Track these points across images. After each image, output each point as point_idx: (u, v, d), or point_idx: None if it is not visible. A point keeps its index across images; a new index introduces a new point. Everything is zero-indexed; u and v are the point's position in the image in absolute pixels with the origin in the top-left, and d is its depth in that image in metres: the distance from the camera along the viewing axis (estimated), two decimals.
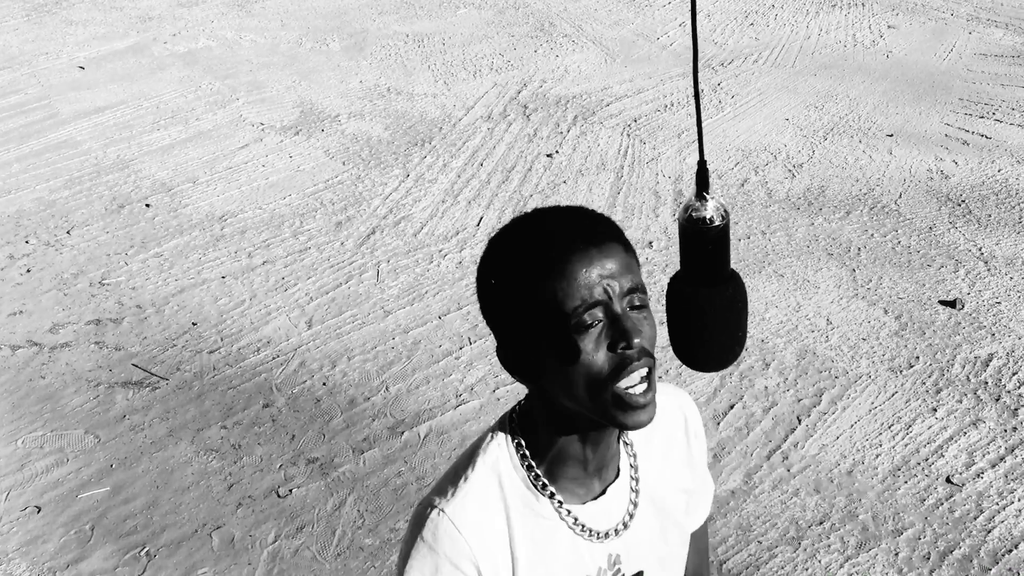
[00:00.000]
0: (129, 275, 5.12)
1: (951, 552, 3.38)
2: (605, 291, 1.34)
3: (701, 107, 1.21)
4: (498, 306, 1.44)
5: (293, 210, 5.70)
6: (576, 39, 8.17)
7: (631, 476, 1.56)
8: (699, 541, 1.75)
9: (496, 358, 4.35)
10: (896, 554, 3.38)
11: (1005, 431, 3.90)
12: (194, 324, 4.71)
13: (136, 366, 4.44)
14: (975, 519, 3.51)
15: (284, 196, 5.86)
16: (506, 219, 5.47)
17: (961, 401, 4.07)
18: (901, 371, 4.25)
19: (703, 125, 6.03)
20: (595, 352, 1.35)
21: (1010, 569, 3.32)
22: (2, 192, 6.01)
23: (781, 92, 7.04)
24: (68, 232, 5.55)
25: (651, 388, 1.38)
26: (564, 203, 5.90)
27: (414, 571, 1.47)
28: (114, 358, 4.50)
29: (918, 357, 4.33)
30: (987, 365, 4.26)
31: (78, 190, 5.98)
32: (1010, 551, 3.38)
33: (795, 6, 8.76)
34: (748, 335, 1.34)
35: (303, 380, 4.31)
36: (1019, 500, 3.58)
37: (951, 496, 3.61)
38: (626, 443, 1.56)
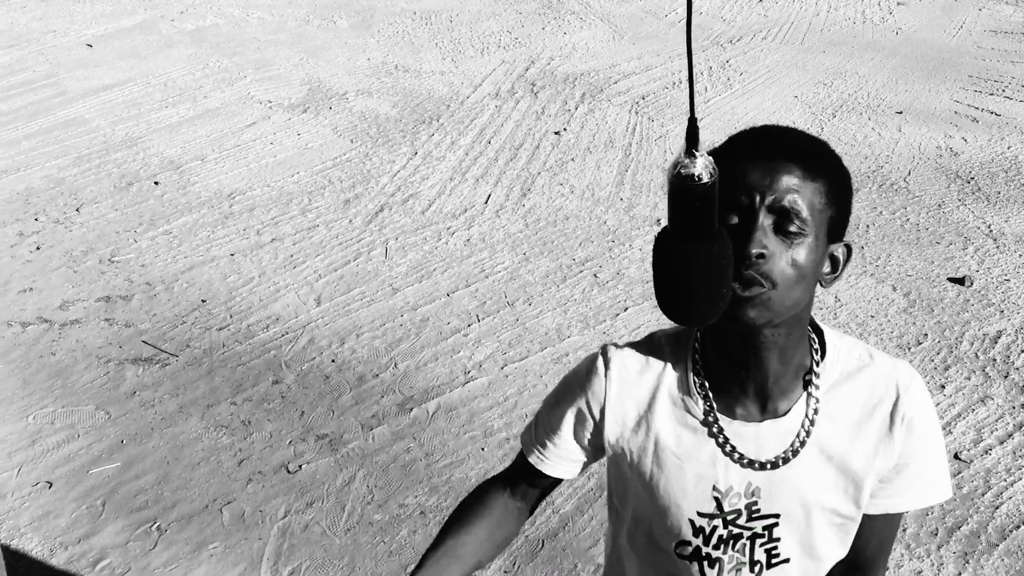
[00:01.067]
0: (138, 252, 5.13)
1: (959, 528, 3.39)
2: (750, 198, 1.41)
3: (693, 64, 1.22)
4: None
5: (301, 188, 5.70)
6: (584, 16, 8.14)
7: (802, 425, 1.55)
8: (882, 528, 1.65)
9: (503, 335, 4.36)
10: (904, 530, 3.39)
11: (1014, 408, 3.91)
12: (203, 301, 4.72)
13: (146, 343, 4.45)
14: (983, 495, 3.51)
15: (292, 174, 5.86)
16: (514, 197, 5.48)
17: (969, 378, 4.07)
18: (910, 348, 4.25)
19: (705, 100, 5.98)
20: (736, 239, 1.39)
21: (1019, 545, 3.32)
22: (11, 170, 6.01)
23: (790, 69, 7.02)
24: (77, 210, 5.56)
25: (757, 298, 1.39)
26: (572, 181, 5.88)
27: (558, 386, 1.68)
28: (124, 335, 4.51)
29: (926, 334, 4.33)
30: (996, 342, 4.26)
31: (87, 168, 5.99)
32: (1018, 527, 3.39)
33: None
34: (731, 290, 1.36)
35: (312, 357, 4.32)
36: None
37: (959, 472, 3.61)
38: (811, 395, 1.54)
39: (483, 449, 3.79)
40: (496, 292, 4.70)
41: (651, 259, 1.36)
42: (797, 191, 1.41)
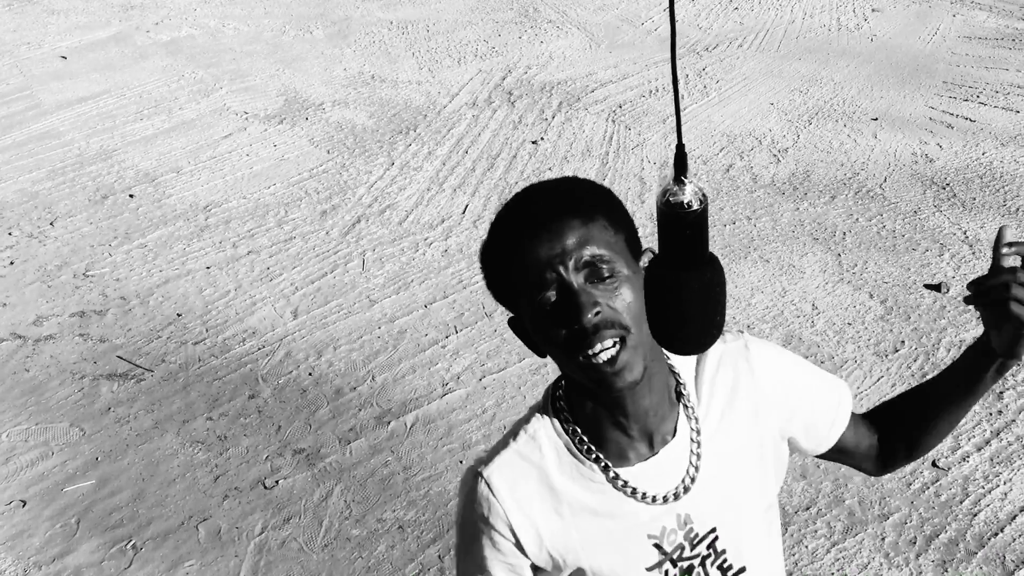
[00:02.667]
0: (113, 266, 5.10)
1: (937, 536, 3.39)
2: (554, 271, 1.40)
3: (679, 90, 1.21)
4: (489, 284, 1.54)
5: (278, 199, 5.68)
6: (560, 25, 8.15)
7: (691, 438, 1.55)
8: (856, 426, 1.70)
9: (481, 347, 4.35)
10: (883, 539, 3.39)
11: (990, 415, 3.91)
12: (179, 315, 4.69)
13: (121, 358, 4.42)
14: (961, 503, 3.52)
15: (269, 185, 5.83)
16: (492, 207, 5.46)
17: None
18: (887, 355, 4.26)
19: (682, 109, 5.96)
20: (554, 327, 1.42)
21: (997, 552, 3.33)
22: None
23: (766, 77, 7.04)
24: (51, 223, 5.51)
25: (620, 356, 1.40)
26: None
27: (458, 533, 1.58)
28: (99, 350, 4.48)
29: (904, 341, 4.34)
30: None
31: (61, 181, 5.95)
32: (996, 534, 3.39)
33: None
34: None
35: (289, 370, 4.29)
36: (1004, 483, 3.59)
37: (937, 480, 3.62)
38: (686, 405, 1.56)
39: (461, 462, 3.77)
40: (474, 303, 4.68)
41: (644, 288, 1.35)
42: (588, 240, 1.42)
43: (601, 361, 1.40)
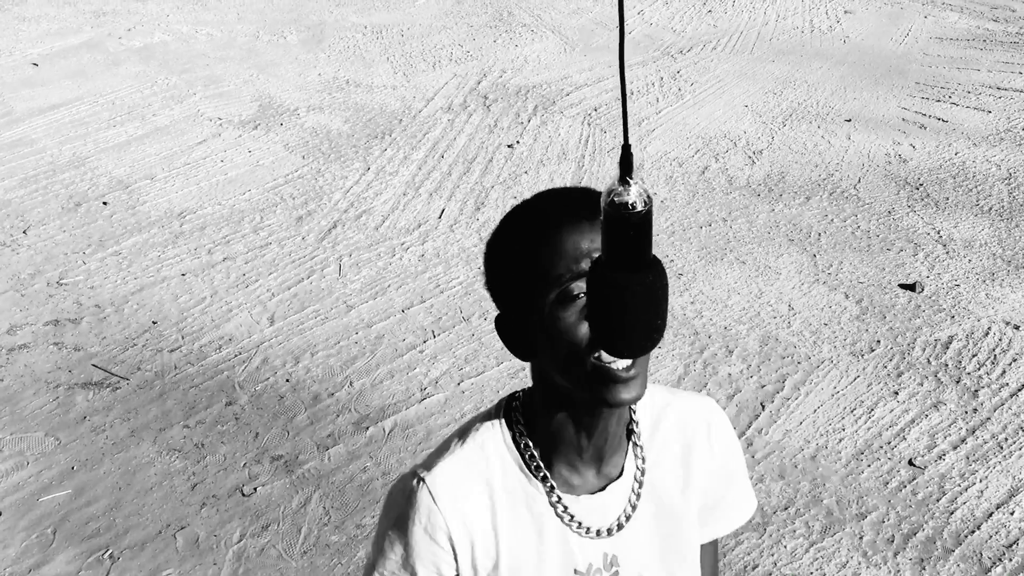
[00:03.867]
0: (87, 274, 5.06)
1: (915, 534, 3.41)
2: (591, 258, 1.35)
3: (626, 87, 1.20)
4: (493, 279, 1.47)
5: (253, 205, 5.66)
6: (535, 28, 8.16)
7: (635, 478, 1.52)
8: (712, 553, 1.69)
9: (459, 351, 4.34)
10: (861, 538, 3.40)
11: (966, 412, 3.94)
12: (154, 323, 4.66)
13: (96, 366, 4.39)
14: (938, 501, 3.54)
15: (244, 191, 5.81)
16: (468, 211, 5.46)
17: (922, 384, 4.10)
18: (862, 355, 4.28)
19: (657, 111, 6.00)
20: (578, 323, 1.35)
21: (974, 550, 3.35)
22: None
23: (740, 79, 7.07)
24: (24, 232, 5.47)
25: (636, 365, 1.36)
26: (527, 193, 5.90)
27: (388, 536, 1.48)
28: (73, 359, 4.44)
29: (879, 341, 4.36)
30: (947, 348, 4.30)
31: (33, 189, 5.91)
32: (972, 532, 3.42)
33: None
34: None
35: (266, 377, 4.28)
36: (981, 481, 3.62)
37: (914, 479, 3.64)
38: (636, 444, 1.53)
39: None
40: (451, 307, 4.68)
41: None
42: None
43: (619, 367, 1.35)
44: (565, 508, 1.48)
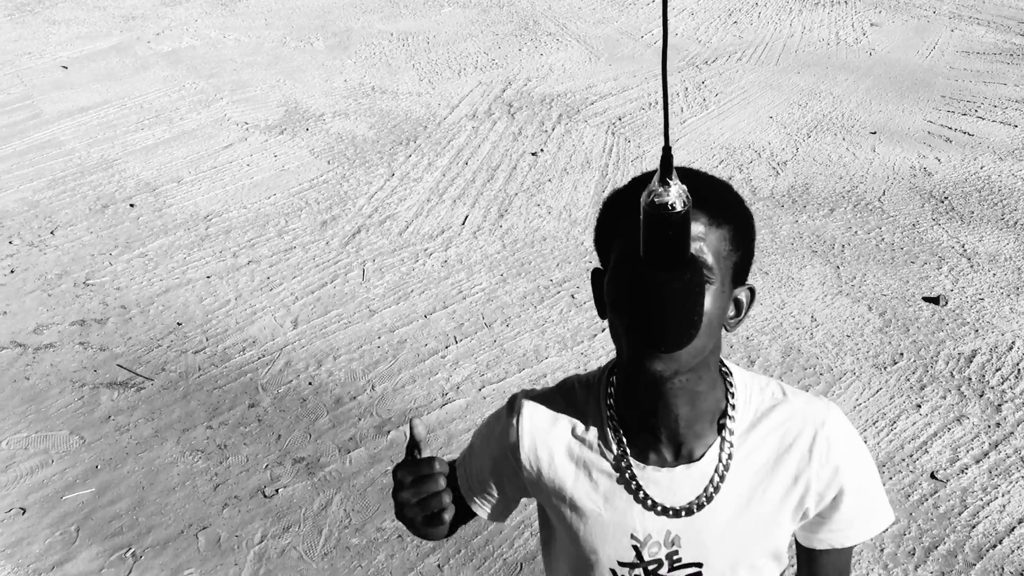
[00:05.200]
0: (113, 275, 5.11)
1: (936, 548, 3.40)
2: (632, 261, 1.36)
3: (668, 90, 1.22)
4: (595, 236, 1.55)
5: (278, 209, 5.69)
6: (560, 37, 8.18)
7: (716, 470, 1.52)
8: (835, 561, 1.64)
9: (480, 357, 4.35)
10: (881, 550, 3.39)
11: (989, 427, 3.93)
12: (179, 324, 4.70)
13: (121, 366, 4.42)
14: (959, 515, 3.53)
15: (269, 195, 5.85)
16: (491, 218, 5.48)
17: (945, 397, 4.09)
18: (885, 368, 4.27)
19: (681, 121, 5.99)
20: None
21: (995, 564, 3.34)
22: None
23: (765, 90, 7.06)
24: (52, 232, 5.52)
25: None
26: (549, 202, 5.87)
27: (477, 433, 1.70)
28: (99, 359, 4.48)
29: (902, 354, 4.35)
30: (971, 361, 4.29)
31: (62, 190, 5.96)
32: (994, 546, 3.40)
33: (778, 4, 8.79)
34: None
35: (289, 380, 4.30)
36: (1003, 496, 3.60)
37: (936, 492, 3.62)
38: (726, 439, 1.53)
39: None
40: (473, 313, 4.69)
41: (621, 285, 1.36)
42: (703, 239, 1.40)
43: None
44: (633, 476, 1.53)
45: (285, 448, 3.93)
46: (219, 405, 4.17)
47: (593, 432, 1.56)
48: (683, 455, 1.52)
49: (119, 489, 3.76)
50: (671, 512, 1.53)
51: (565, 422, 1.58)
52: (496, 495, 1.66)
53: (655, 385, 1.45)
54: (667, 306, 1.28)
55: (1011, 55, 7.51)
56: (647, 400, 1.49)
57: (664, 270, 1.25)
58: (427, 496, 1.53)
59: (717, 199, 1.45)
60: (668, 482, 1.52)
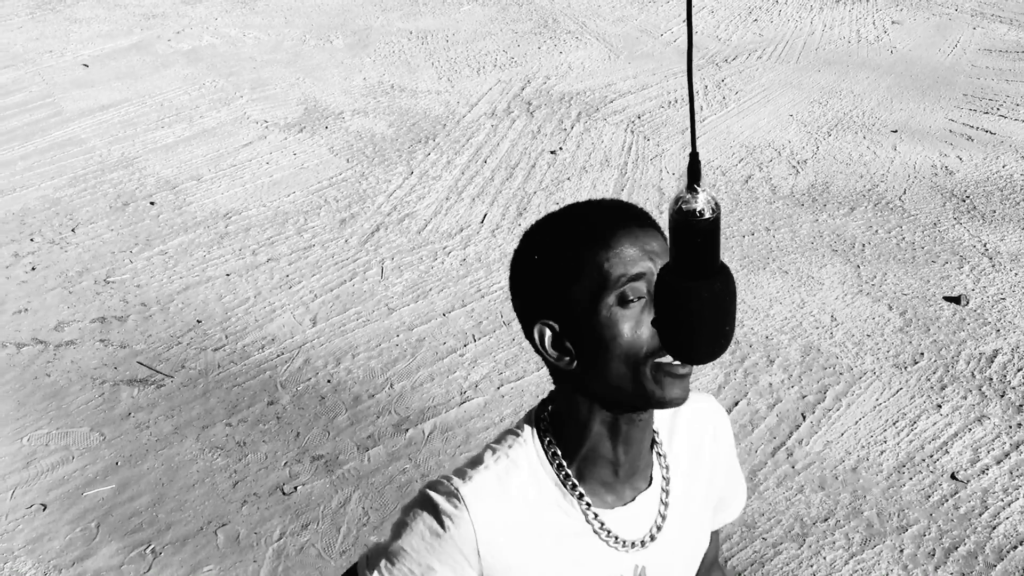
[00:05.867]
0: (134, 273, 5.13)
1: (956, 549, 3.38)
2: (649, 267, 1.36)
3: (694, 98, 1.21)
4: (539, 284, 1.43)
5: (297, 207, 5.70)
6: (580, 36, 8.17)
7: (662, 487, 1.53)
8: (711, 545, 1.73)
9: (499, 355, 4.35)
10: (901, 551, 3.38)
11: (1010, 427, 3.90)
12: (199, 321, 4.71)
13: (141, 364, 4.44)
14: (980, 516, 3.51)
15: (288, 193, 5.86)
16: (510, 216, 5.47)
17: (966, 397, 4.06)
18: (906, 367, 4.25)
19: (700, 119, 5.98)
20: (638, 326, 1.35)
21: (1016, 565, 3.31)
22: (7, 190, 6.01)
23: (785, 88, 7.04)
24: (73, 230, 5.55)
25: (688, 366, 1.39)
26: (569, 199, 5.92)
27: (404, 533, 1.44)
28: (119, 356, 4.50)
29: (923, 353, 4.33)
30: (992, 361, 4.26)
31: (83, 188, 5.99)
32: (1015, 547, 3.38)
33: (799, 2, 8.75)
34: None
35: (308, 377, 4.31)
36: None
37: (956, 493, 3.60)
38: (659, 453, 1.54)
39: None
40: (492, 312, 4.69)
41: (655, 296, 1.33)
42: (668, 251, 1.42)
43: (679, 372, 1.37)
44: (602, 523, 1.48)
45: (304, 446, 3.94)
46: (238, 402, 4.19)
47: (546, 496, 1.46)
48: (633, 485, 1.51)
49: (139, 486, 3.78)
50: (638, 545, 1.51)
51: (516, 496, 1.45)
52: None
53: (649, 415, 1.46)
54: (698, 316, 1.24)
55: None
56: (626, 438, 1.45)
57: (694, 279, 1.22)
58: None
59: (633, 211, 1.44)
60: (631, 517, 1.50)
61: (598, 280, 1.36)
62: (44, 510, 3.69)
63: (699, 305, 1.23)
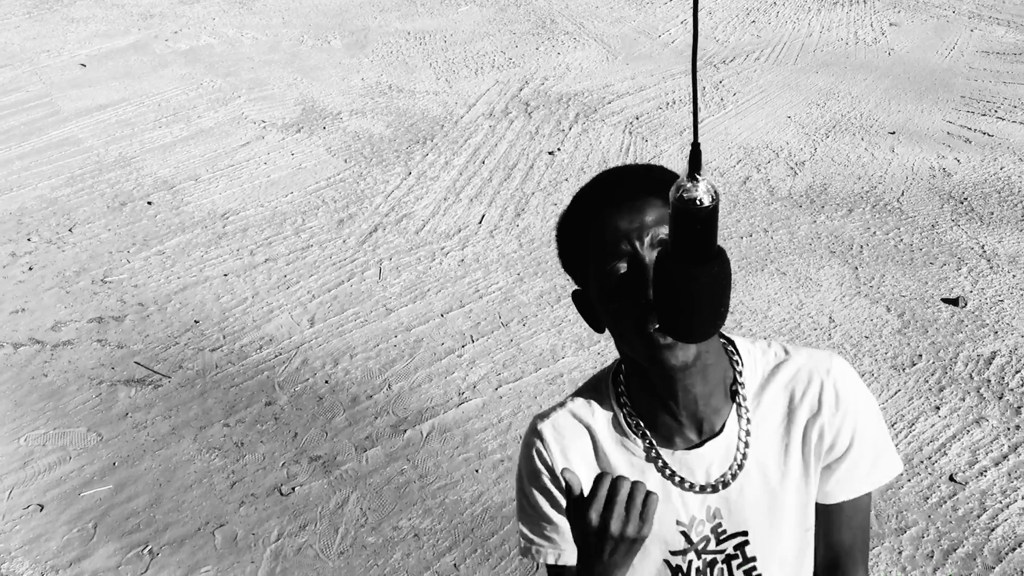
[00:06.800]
0: (131, 273, 5.12)
1: (954, 550, 3.38)
2: (630, 243, 1.46)
3: (698, 89, 1.23)
4: (563, 253, 1.61)
5: (295, 208, 5.70)
6: (577, 36, 8.17)
7: (739, 438, 1.57)
8: (850, 516, 1.63)
9: (497, 356, 4.35)
10: (900, 552, 3.37)
11: (1008, 429, 3.90)
12: (196, 322, 4.70)
13: (139, 364, 4.43)
14: (978, 517, 3.50)
15: (286, 194, 5.86)
16: (508, 217, 5.47)
17: (964, 399, 4.06)
18: (904, 369, 4.25)
19: (699, 121, 5.94)
20: (622, 299, 1.47)
21: (1015, 567, 3.31)
22: (4, 190, 6.00)
23: (783, 89, 7.04)
24: (70, 230, 5.54)
25: None
26: (566, 201, 5.91)
27: (517, 481, 1.67)
28: (116, 356, 4.50)
29: (921, 355, 4.33)
30: (990, 363, 4.26)
31: (80, 188, 5.98)
32: (1013, 549, 3.38)
33: (797, 3, 8.75)
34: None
35: (305, 378, 4.31)
36: (1022, 498, 3.58)
37: (954, 494, 3.60)
38: (740, 404, 1.57)
39: (477, 471, 3.77)
40: (490, 312, 4.69)
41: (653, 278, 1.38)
42: (665, 220, 1.46)
43: (661, 339, 1.44)
44: (665, 463, 1.57)
45: (302, 446, 3.93)
46: (236, 403, 4.18)
47: (615, 431, 1.60)
48: (705, 431, 1.56)
49: (136, 486, 3.77)
50: (708, 488, 1.57)
51: (585, 431, 1.61)
52: (566, 535, 1.61)
53: (680, 371, 1.49)
54: (696, 299, 1.30)
55: None
56: (665, 389, 1.53)
57: (692, 264, 1.27)
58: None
59: (655, 180, 1.50)
60: (699, 460, 1.56)
61: (587, 257, 1.51)
62: (41, 510, 3.68)
63: (698, 288, 1.29)
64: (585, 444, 1.60)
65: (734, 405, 1.57)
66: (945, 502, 3.57)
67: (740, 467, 1.57)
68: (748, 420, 1.57)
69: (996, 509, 3.54)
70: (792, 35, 8.04)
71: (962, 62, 7.39)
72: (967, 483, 3.65)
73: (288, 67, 7.75)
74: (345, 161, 6.24)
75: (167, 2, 9.26)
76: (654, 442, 1.57)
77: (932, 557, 3.36)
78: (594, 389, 1.64)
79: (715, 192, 1.25)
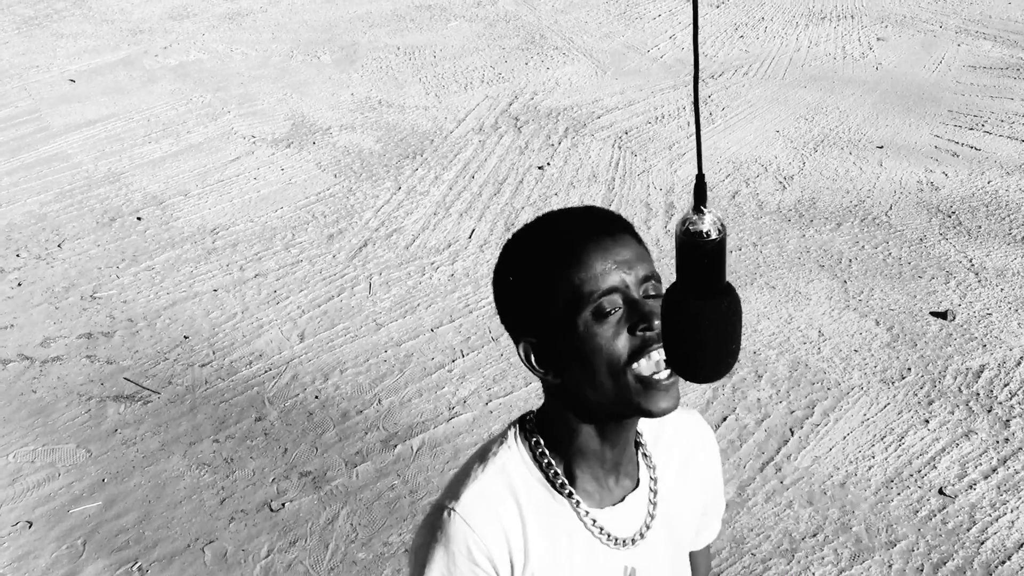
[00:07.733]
0: (120, 288, 5.11)
1: (944, 564, 3.38)
2: (622, 279, 1.40)
3: (701, 120, 1.22)
4: (517, 304, 1.48)
5: (285, 223, 5.70)
6: (567, 52, 8.19)
7: (650, 488, 1.57)
8: (703, 562, 1.77)
9: (487, 371, 4.35)
10: (890, 566, 3.38)
11: (997, 442, 3.91)
12: (186, 337, 4.70)
13: (128, 380, 4.42)
14: (968, 531, 3.51)
15: (276, 209, 5.85)
16: (498, 231, 5.48)
17: (953, 412, 4.07)
18: (893, 382, 4.26)
19: (686, 134, 5.96)
20: (615, 337, 1.39)
21: None
22: None
23: (771, 104, 7.07)
24: (59, 245, 5.53)
25: (673, 375, 1.40)
26: None
27: (432, 572, 1.47)
28: (106, 372, 4.48)
29: (910, 368, 4.34)
30: (979, 376, 4.28)
31: (69, 203, 5.97)
32: (1003, 562, 3.39)
33: (785, 19, 8.80)
34: (741, 347, 1.35)
35: (295, 393, 4.30)
36: (1012, 511, 3.59)
37: (944, 508, 3.61)
38: (645, 455, 1.57)
39: None
40: (480, 327, 4.69)
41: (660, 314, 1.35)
42: (643, 257, 1.44)
43: (661, 377, 1.40)
44: (594, 521, 1.51)
45: (292, 462, 3.92)
46: (226, 419, 4.17)
47: (537, 497, 1.49)
48: (620, 484, 1.54)
49: (126, 503, 3.76)
50: (629, 542, 1.54)
51: (508, 508, 1.48)
52: None
53: (661, 415, 1.45)
54: (704, 335, 1.26)
55: (1018, 70, 7.51)
56: (612, 439, 1.49)
57: (699, 298, 1.23)
58: None
59: (620, 219, 1.48)
60: (622, 516, 1.53)
61: (572, 298, 1.40)
62: (30, 527, 3.66)
63: (706, 324, 1.25)
64: (510, 518, 1.47)
65: (640, 456, 1.57)
66: (935, 515, 3.58)
67: (652, 517, 1.56)
68: (654, 468, 1.57)
69: (986, 522, 3.54)
70: (780, 50, 8.08)
71: (949, 77, 7.43)
72: (957, 496, 3.66)
73: (278, 82, 7.76)
74: (335, 176, 6.25)
75: (156, 17, 9.27)
76: (580, 500, 1.50)
77: (922, 570, 3.36)
78: (500, 454, 1.51)
79: (722, 225, 1.21)
